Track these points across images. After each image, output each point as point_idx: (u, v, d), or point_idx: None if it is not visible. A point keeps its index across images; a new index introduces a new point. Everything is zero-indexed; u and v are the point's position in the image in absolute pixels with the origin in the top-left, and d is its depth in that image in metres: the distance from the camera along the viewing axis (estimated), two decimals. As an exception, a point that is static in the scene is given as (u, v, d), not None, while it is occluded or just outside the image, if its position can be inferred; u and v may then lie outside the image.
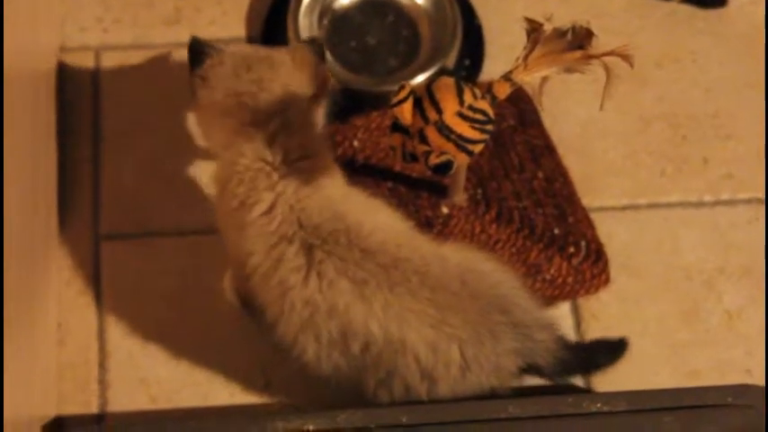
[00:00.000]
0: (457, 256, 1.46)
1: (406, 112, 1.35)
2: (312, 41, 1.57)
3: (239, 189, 1.43)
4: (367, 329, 1.40)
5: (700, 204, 1.75)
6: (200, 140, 1.53)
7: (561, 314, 1.66)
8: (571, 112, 1.73)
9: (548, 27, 1.35)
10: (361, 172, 1.69)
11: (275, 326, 1.44)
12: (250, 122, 1.45)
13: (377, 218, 1.46)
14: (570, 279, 1.64)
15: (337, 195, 1.45)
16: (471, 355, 1.42)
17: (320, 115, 1.52)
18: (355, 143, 1.72)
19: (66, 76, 1.79)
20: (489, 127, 1.36)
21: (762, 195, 1.75)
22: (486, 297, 1.43)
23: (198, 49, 1.51)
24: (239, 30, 1.85)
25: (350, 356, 1.42)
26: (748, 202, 1.75)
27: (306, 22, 1.80)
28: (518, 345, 1.44)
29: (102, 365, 1.61)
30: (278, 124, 1.44)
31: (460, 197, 1.66)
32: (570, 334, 1.64)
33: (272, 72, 1.49)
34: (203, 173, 1.68)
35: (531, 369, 1.48)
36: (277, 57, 1.51)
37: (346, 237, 1.41)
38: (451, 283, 1.42)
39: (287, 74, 1.49)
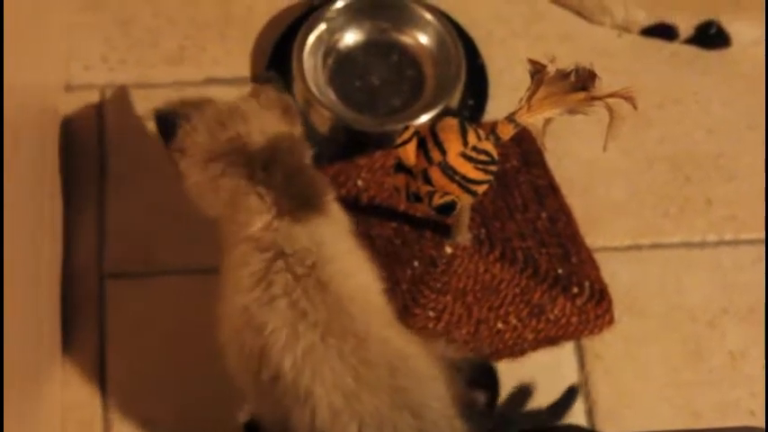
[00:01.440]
0: (398, 345, 1.41)
1: (409, 153, 1.35)
2: (268, 78, 1.55)
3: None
4: (280, 363, 1.35)
5: (703, 245, 1.75)
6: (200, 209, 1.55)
7: (564, 354, 1.67)
8: (574, 152, 1.74)
9: (551, 68, 1.34)
10: (365, 211, 1.69)
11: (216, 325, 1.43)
12: (244, 176, 1.44)
13: (350, 264, 1.43)
14: (574, 319, 1.64)
15: (325, 227, 1.43)
16: None
17: (305, 146, 1.50)
18: (359, 182, 1.73)
19: (71, 115, 1.80)
20: (493, 167, 1.35)
21: (764, 236, 1.75)
22: (405, 396, 1.37)
23: (167, 122, 1.49)
24: (244, 69, 1.86)
25: (260, 382, 1.38)
26: (751, 242, 1.75)
27: (310, 61, 1.81)
28: None
29: (106, 406, 1.61)
30: (273, 169, 1.43)
31: (464, 237, 1.66)
32: (573, 375, 1.65)
33: (246, 123, 1.47)
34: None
35: None
36: (245, 106, 1.49)
37: (312, 260, 1.38)
38: (380, 367, 1.37)
39: (260, 119, 1.48)
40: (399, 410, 1.36)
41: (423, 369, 1.40)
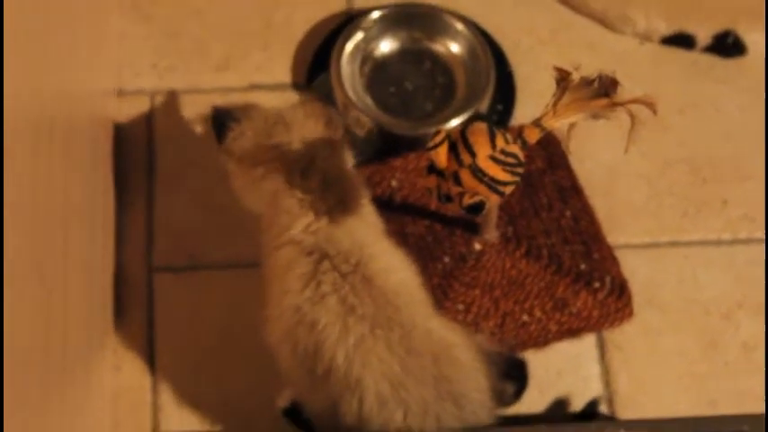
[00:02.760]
0: (442, 335, 1.42)
1: (441, 156, 1.36)
2: (312, 89, 1.58)
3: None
4: (334, 356, 1.37)
5: (719, 243, 1.75)
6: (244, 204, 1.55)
7: (586, 345, 1.67)
8: (597, 155, 1.74)
9: (575, 76, 1.35)
10: (398, 210, 1.70)
11: (265, 325, 1.44)
12: (283, 181, 1.46)
13: (392, 261, 1.45)
14: (595, 312, 1.65)
15: (363, 229, 1.44)
16: (411, 425, 1.38)
17: (346, 153, 1.52)
18: (393, 183, 1.73)
19: (122, 118, 1.81)
20: (520, 169, 1.36)
21: (778, 235, 1.75)
22: (448, 385, 1.39)
23: (220, 122, 1.52)
24: (285, 76, 1.86)
25: (314, 376, 1.39)
26: (763, 241, 1.74)
27: (348, 69, 1.81)
28: (455, 427, 1.40)
29: (155, 390, 1.62)
30: (311, 174, 1.45)
31: (492, 235, 1.66)
32: (594, 366, 1.65)
33: (290, 132, 1.49)
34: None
35: None
36: (289, 115, 1.51)
37: (356, 260, 1.39)
38: (424, 356, 1.38)
39: (303, 128, 1.49)
40: (443, 400, 1.39)
41: (464, 359, 1.42)
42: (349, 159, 1.52)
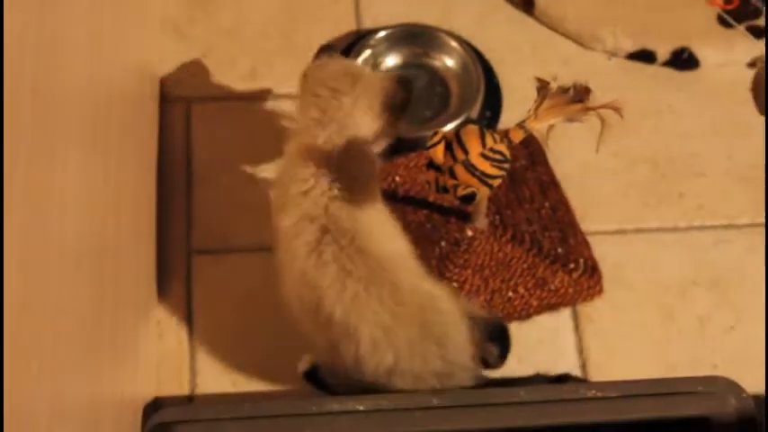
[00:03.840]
0: (426, 289, 1.41)
1: (438, 154, 1.36)
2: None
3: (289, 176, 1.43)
4: (332, 311, 1.36)
5: (676, 230, 1.75)
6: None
7: (563, 319, 1.66)
8: (572, 153, 1.73)
9: (554, 85, 1.36)
10: (402, 201, 1.70)
11: (280, 278, 1.43)
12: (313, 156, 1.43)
13: (384, 230, 1.43)
14: (571, 290, 1.65)
15: (363, 207, 1.42)
16: (400, 365, 1.38)
17: (376, 151, 1.49)
18: (397, 178, 1.74)
19: (164, 122, 1.81)
20: (506, 165, 1.36)
21: (726, 222, 1.75)
22: (431, 328, 1.38)
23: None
24: None
25: (317, 323, 1.39)
26: (715, 228, 1.75)
27: (358, 80, 1.81)
28: (440, 371, 1.40)
29: (193, 356, 1.62)
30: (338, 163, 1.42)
31: (482, 222, 1.67)
32: (570, 336, 1.65)
33: (353, 87, 1.46)
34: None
35: None
36: (364, 74, 1.49)
37: (352, 233, 1.38)
38: (412, 305, 1.37)
39: (365, 90, 1.47)
40: (427, 341, 1.38)
41: (446, 308, 1.41)
42: (375, 155, 1.49)
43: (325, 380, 1.51)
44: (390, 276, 1.37)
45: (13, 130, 0.95)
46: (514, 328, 1.61)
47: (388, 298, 1.36)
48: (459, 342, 1.41)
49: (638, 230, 1.75)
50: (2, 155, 0.92)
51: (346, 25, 1.93)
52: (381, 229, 1.43)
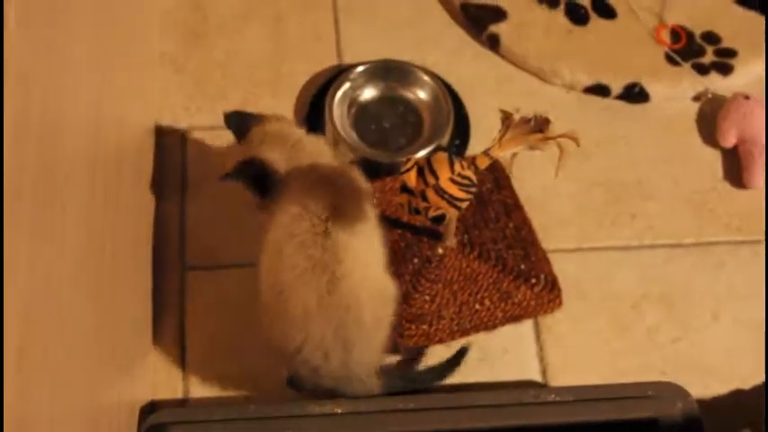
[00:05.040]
0: (360, 294, 1.37)
1: (411, 178, 1.36)
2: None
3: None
4: (286, 282, 1.36)
5: (628, 248, 1.75)
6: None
7: (525, 328, 1.66)
8: (534, 178, 1.72)
9: (516, 116, 1.36)
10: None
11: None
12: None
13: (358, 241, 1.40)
14: (533, 303, 1.64)
15: (353, 244, 1.39)
16: (305, 350, 1.39)
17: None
18: (373, 201, 1.71)
19: (161, 149, 1.80)
20: (473, 189, 1.37)
21: (674, 241, 1.76)
22: (344, 331, 1.37)
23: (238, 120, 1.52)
24: (289, 116, 1.85)
25: (277, 303, 1.38)
26: (664, 246, 1.75)
27: (338, 110, 1.81)
28: (339, 375, 1.41)
29: (186, 363, 1.61)
30: (324, 192, 1.41)
31: (452, 241, 1.65)
32: (532, 345, 1.65)
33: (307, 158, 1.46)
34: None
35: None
36: (310, 143, 1.50)
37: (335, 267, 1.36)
38: (341, 302, 1.36)
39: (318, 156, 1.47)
40: (336, 342, 1.36)
41: (367, 320, 1.38)
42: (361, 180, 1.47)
43: (305, 386, 1.50)
44: (338, 267, 1.35)
45: (16, 162, 0.94)
46: (481, 337, 1.62)
47: (326, 283, 1.35)
48: (366, 356, 1.41)
49: (594, 249, 1.75)
50: (2, 176, 0.91)
51: (329, 60, 1.93)
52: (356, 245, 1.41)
